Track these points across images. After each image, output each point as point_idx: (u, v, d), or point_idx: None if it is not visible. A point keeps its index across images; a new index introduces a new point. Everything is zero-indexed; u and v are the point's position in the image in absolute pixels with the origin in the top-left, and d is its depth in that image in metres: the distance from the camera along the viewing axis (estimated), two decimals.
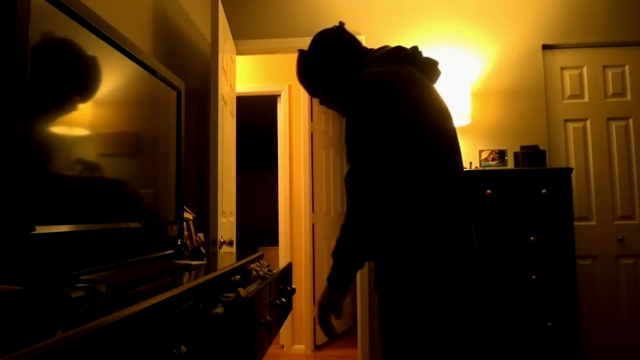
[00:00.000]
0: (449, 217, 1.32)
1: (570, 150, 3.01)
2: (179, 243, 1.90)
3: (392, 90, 1.29)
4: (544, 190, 2.55)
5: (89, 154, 1.21)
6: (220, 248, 2.35)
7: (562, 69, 3.07)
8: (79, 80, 1.16)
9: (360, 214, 1.25)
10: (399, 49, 1.47)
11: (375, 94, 1.29)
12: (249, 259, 1.86)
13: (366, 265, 3.00)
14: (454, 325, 1.34)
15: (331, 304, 1.32)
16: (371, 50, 1.53)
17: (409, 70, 1.40)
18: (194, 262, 1.62)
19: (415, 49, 1.48)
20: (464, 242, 1.35)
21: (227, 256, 1.99)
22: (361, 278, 3.03)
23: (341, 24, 1.56)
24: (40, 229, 0.98)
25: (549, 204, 2.56)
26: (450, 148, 1.37)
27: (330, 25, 1.59)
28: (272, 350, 3.97)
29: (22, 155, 0.93)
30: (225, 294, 1.34)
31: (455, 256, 1.32)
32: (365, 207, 1.25)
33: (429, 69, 1.49)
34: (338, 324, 1.36)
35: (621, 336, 2.86)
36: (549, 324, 2.50)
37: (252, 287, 1.47)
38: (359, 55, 1.52)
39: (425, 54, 1.52)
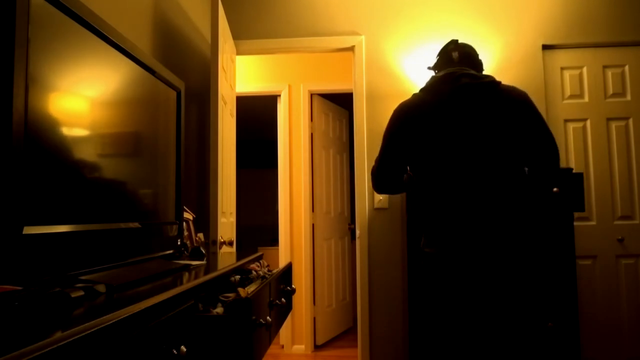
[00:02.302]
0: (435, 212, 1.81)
1: (570, 150, 3.01)
2: (178, 243, 1.90)
3: (396, 118, 1.89)
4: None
5: (88, 154, 1.21)
6: (220, 248, 2.35)
7: (562, 69, 3.07)
8: (78, 80, 1.16)
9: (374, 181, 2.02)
10: (441, 78, 1.82)
11: (391, 118, 1.92)
12: (248, 259, 1.86)
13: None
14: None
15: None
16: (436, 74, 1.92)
17: (432, 100, 1.81)
18: (193, 262, 1.62)
19: (455, 80, 1.78)
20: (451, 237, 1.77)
21: (227, 256, 1.99)
22: (361, 279, 3.03)
23: (451, 42, 1.95)
24: (39, 229, 0.98)
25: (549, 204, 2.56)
26: (454, 160, 1.76)
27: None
28: (272, 350, 3.97)
29: (20, 155, 0.93)
30: (225, 294, 1.34)
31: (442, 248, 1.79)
32: (375, 183, 2.01)
33: (469, 96, 1.78)
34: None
35: (621, 336, 2.86)
36: (549, 324, 2.50)
37: (252, 287, 1.47)
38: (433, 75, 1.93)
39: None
